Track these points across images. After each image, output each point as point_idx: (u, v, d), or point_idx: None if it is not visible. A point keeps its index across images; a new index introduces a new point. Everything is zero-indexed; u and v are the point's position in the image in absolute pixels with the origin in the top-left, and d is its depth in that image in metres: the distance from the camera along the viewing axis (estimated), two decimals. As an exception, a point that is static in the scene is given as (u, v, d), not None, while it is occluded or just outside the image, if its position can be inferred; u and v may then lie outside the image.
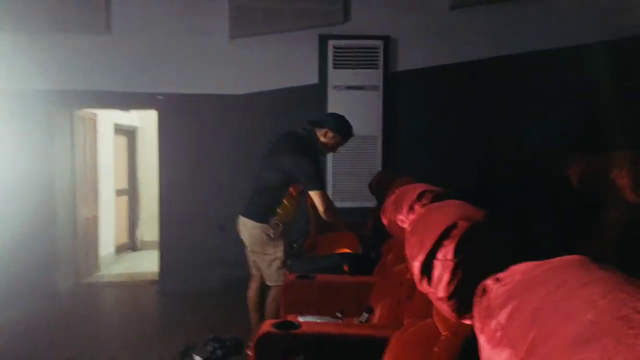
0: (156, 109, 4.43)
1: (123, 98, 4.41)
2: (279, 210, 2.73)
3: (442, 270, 0.87)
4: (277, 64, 4.44)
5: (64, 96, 4.32)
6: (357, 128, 4.42)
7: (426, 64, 4.49)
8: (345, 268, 2.38)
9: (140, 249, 6.72)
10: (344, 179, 4.48)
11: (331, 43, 4.36)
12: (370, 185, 3.42)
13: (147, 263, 5.51)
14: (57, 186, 4.47)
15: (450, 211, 0.98)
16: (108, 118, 5.69)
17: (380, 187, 2.74)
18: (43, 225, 4.33)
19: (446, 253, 0.87)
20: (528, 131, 4.25)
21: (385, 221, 1.76)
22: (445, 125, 4.50)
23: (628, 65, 4.29)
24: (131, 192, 6.66)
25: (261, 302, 2.86)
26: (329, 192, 4.41)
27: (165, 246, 4.55)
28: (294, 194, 2.84)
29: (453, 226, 0.89)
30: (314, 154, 2.72)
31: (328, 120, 2.87)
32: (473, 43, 4.46)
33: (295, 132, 2.85)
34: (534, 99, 4.41)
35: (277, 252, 2.71)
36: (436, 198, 1.44)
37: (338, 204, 4.43)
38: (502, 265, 0.68)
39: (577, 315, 0.48)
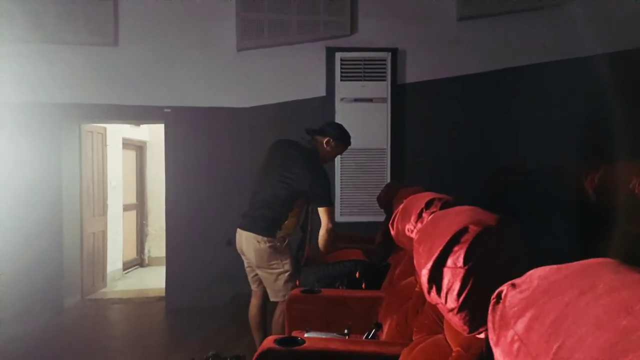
0: (164, 122, 4.42)
1: (131, 111, 4.41)
2: (285, 223, 2.66)
3: (452, 278, 0.80)
4: (284, 77, 4.43)
5: (71, 109, 4.33)
6: (364, 140, 4.44)
7: (434, 76, 4.45)
8: (358, 275, 2.30)
9: (148, 265, 6.68)
10: (352, 193, 4.41)
11: (338, 55, 4.34)
12: (378, 198, 3.35)
13: (155, 279, 5.45)
14: (65, 201, 4.45)
15: (461, 216, 0.91)
16: (117, 132, 5.71)
17: (389, 200, 2.67)
18: (50, 240, 4.31)
19: (456, 259, 0.80)
20: (537, 141, 4.17)
21: (393, 232, 1.69)
22: (453, 137, 4.44)
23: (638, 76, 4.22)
24: (140, 207, 6.65)
25: (263, 320, 2.77)
26: (337, 204, 4.38)
27: (172, 262, 4.49)
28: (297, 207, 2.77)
29: (463, 231, 0.82)
30: (321, 168, 2.66)
31: (329, 128, 2.82)
32: (482, 54, 4.41)
33: (294, 141, 2.77)
34: (543, 110, 4.33)
35: (285, 265, 2.63)
36: (446, 205, 1.37)
37: (346, 218, 4.44)
38: (517, 271, 0.61)
39: (610, 322, 0.41)
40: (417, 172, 4.42)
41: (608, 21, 4.23)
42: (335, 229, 2.64)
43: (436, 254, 0.83)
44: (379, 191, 3.58)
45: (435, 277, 0.82)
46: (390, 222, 1.73)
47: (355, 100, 4.38)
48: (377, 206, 3.64)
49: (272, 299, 2.68)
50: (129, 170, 6.35)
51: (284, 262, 2.63)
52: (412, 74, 4.47)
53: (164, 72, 4.33)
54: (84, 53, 4.25)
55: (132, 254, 6.51)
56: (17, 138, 4.15)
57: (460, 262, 0.80)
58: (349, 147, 4.25)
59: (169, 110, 4.36)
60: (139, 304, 4.91)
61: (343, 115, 4.37)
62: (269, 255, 2.63)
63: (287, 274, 2.63)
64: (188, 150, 4.42)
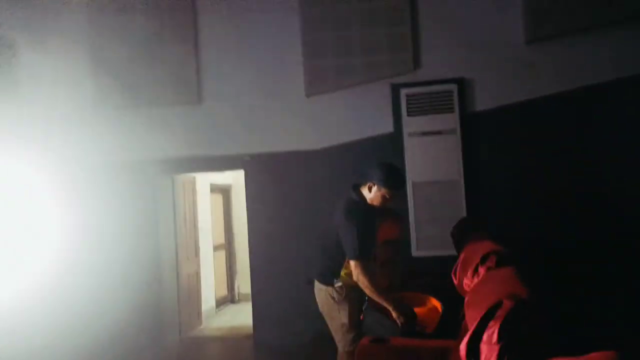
0: (244, 169, 4.76)
1: (215, 161, 4.81)
2: (342, 273, 2.65)
3: (488, 354, 0.84)
4: (352, 117, 4.57)
5: (164, 163, 4.81)
6: (436, 173, 4.43)
7: (504, 102, 4.35)
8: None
9: (239, 301, 7.04)
10: (427, 227, 4.38)
11: (403, 91, 4.42)
12: (452, 235, 3.31)
13: (246, 315, 5.74)
14: (162, 245, 4.91)
15: (498, 286, 0.96)
16: (205, 178, 6.19)
17: (459, 239, 2.65)
18: (150, 283, 4.75)
19: (491, 335, 0.85)
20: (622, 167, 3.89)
21: (455, 281, 1.72)
22: (531, 165, 4.26)
23: None
24: (228, 247, 7.07)
25: None
26: (412, 239, 4.38)
27: (258, 300, 4.73)
28: None
29: (497, 305, 0.87)
30: (357, 217, 2.56)
31: (369, 173, 2.69)
32: (553, 76, 4.25)
33: (353, 188, 2.77)
34: (628, 134, 4.04)
35: (342, 317, 2.62)
36: (500, 261, 1.39)
37: (422, 253, 4.41)
38: (547, 347, 0.66)
39: None
40: (494, 203, 4.30)
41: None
42: (368, 280, 2.47)
43: (472, 329, 0.88)
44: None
45: (473, 352, 0.87)
46: (453, 271, 1.76)
47: (424, 134, 4.40)
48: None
49: (339, 349, 2.68)
50: (217, 213, 6.81)
51: (342, 312, 2.62)
52: (482, 102, 4.41)
53: (242, 123, 4.68)
54: (173, 112, 4.73)
55: (223, 292, 6.91)
56: (119, 192, 4.68)
57: (495, 339, 0.84)
58: (420, 180, 4.22)
59: (249, 157, 4.68)
60: (231, 340, 5.21)
61: (412, 149, 4.42)
62: (328, 304, 2.67)
63: (344, 326, 2.61)
64: (267, 193, 4.69)
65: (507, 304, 0.86)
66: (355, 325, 2.64)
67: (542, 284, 1.14)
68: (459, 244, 2.53)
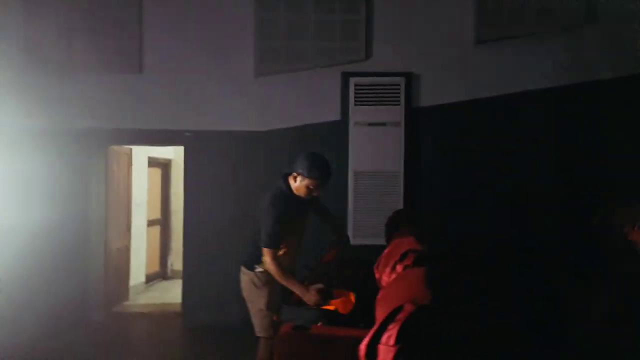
0: (183, 145, 4.59)
1: (153, 135, 4.60)
2: (263, 259, 2.66)
3: (385, 356, 0.85)
4: (300, 101, 4.52)
5: (98, 134, 4.55)
6: (378, 164, 4.48)
7: (450, 100, 4.45)
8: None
9: (171, 278, 6.88)
10: (365, 216, 4.44)
11: (353, 80, 4.41)
12: (385, 226, 3.37)
13: (177, 292, 5.62)
14: (91, 218, 4.68)
15: (405, 288, 0.96)
16: (143, 152, 5.94)
17: (389, 231, 2.69)
18: (77, 256, 4.52)
19: (389, 338, 0.85)
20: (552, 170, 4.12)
21: (377, 275, 1.74)
22: (469, 161, 4.41)
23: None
24: (164, 223, 6.86)
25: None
26: (349, 228, 4.43)
27: (189, 278, 4.64)
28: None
29: (399, 309, 0.87)
30: (276, 207, 2.57)
31: (295, 162, 2.65)
32: (499, 78, 4.39)
33: (279, 184, 2.73)
34: (563, 136, 4.27)
35: (260, 302, 2.66)
36: (418, 260, 1.41)
37: (359, 241, 4.46)
38: (447, 352, 0.66)
39: None
40: (432, 196, 4.42)
41: (622, 45, 4.15)
42: (278, 269, 2.52)
43: (372, 330, 0.88)
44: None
45: (371, 354, 0.87)
46: (376, 265, 1.78)
47: (370, 124, 4.43)
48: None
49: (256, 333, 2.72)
50: (154, 187, 6.57)
51: (260, 298, 2.66)
52: (428, 98, 4.49)
53: (184, 97, 4.51)
54: (111, 80, 4.47)
55: (156, 267, 6.72)
56: (48, 160, 4.39)
57: (392, 341, 0.84)
58: (361, 170, 4.22)
59: (189, 134, 4.52)
60: (159, 317, 5.09)
61: (357, 139, 4.44)
62: (249, 289, 2.70)
63: (261, 312, 2.66)
64: (207, 172, 4.56)
65: (408, 308, 0.86)
66: (272, 312, 2.67)
67: (459, 283, 1.16)
68: (388, 237, 2.58)
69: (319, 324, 2.11)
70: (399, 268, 1.42)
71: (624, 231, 1.89)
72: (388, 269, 1.45)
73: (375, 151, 4.46)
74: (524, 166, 4.31)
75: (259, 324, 2.69)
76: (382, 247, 4.03)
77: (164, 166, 6.82)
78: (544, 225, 3.53)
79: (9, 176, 4.38)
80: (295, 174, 2.62)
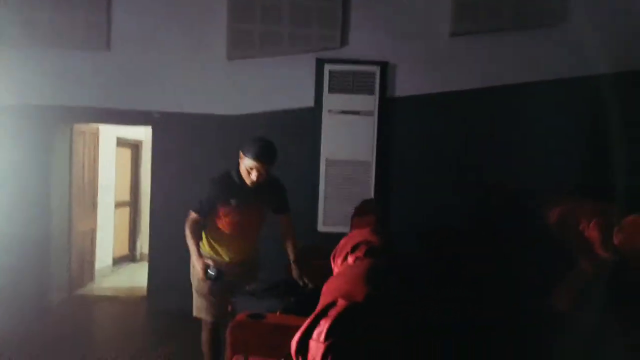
0: (151, 126, 4.48)
1: (120, 114, 4.46)
2: (201, 243, 2.73)
3: (315, 352, 0.82)
4: (274, 86, 4.45)
5: (63, 111, 4.39)
6: (350, 153, 4.46)
7: (424, 91, 4.44)
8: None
9: (140, 261, 6.77)
10: (335, 204, 4.43)
11: (327, 67, 4.36)
12: (352, 215, 3.35)
13: (145, 275, 5.53)
14: (54, 199, 4.54)
15: (345, 281, 0.94)
16: (111, 132, 5.78)
17: (352, 221, 2.68)
18: (38, 237, 4.39)
19: (320, 334, 0.82)
20: (523, 163, 4.16)
21: (333, 266, 1.71)
22: (440, 153, 4.43)
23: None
24: (133, 205, 6.73)
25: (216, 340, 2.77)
26: (320, 214, 4.42)
27: (155, 261, 4.57)
28: (222, 228, 2.71)
29: (332, 304, 0.85)
30: (215, 184, 2.66)
31: (245, 142, 2.65)
32: (473, 71, 4.39)
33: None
34: (534, 131, 4.30)
35: (194, 282, 2.71)
36: (370, 252, 1.39)
37: (329, 228, 4.46)
38: (382, 349, 0.64)
39: None
40: (403, 186, 4.43)
41: (610, 41, 4.19)
42: (189, 233, 2.64)
43: (305, 325, 0.85)
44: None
45: (302, 349, 0.85)
46: (332, 255, 1.75)
47: (343, 112, 4.40)
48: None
49: None
50: (123, 168, 6.43)
51: (194, 279, 2.71)
52: (402, 89, 4.47)
53: (154, 77, 4.38)
54: (78, 57, 4.31)
55: (124, 250, 6.60)
56: (9, 139, 4.22)
57: (322, 337, 0.82)
58: (333, 158, 4.19)
59: (158, 115, 4.41)
60: (123, 300, 5.01)
61: (329, 126, 4.41)
62: (190, 270, 2.74)
63: (196, 292, 2.71)
64: (175, 154, 4.46)
65: (341, 304, 0.84)
66: (202, 294, 2.69)
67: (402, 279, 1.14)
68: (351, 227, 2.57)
69: (276, 313, 2.08)
70: (350, 259, 1.39)
71: (580, 229, 1.91)
72: (339, 260, 1.43)
73: (347, 139, 4.43)
74: (496, 160, 4.34)
75: (194, 305, 2.73)
76: (351, 236, 4.09)
77: (134, 147, 6.67)
78: (511, 220, 3.56)
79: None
80: (240, 155, 2.62)
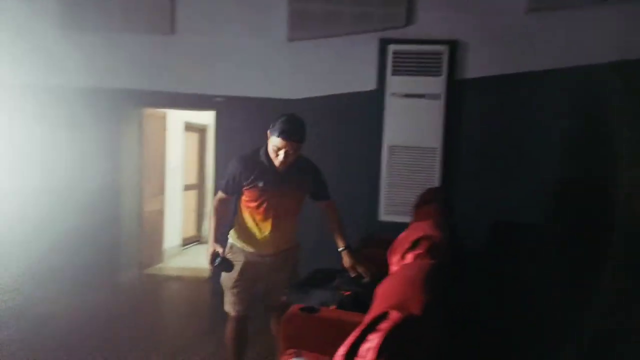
0: (215, 111, 4.53)
1: (184, 99, 4.54)
2: (231, 231, 2.59)
3: (361, 371, 0.72)
4: (335, 69, 4.33)
5: (132, 95, 4.55)
6: (415, 138, 4.25)
7: (496, 72, 4.12)
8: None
9: (206, 242, 6.98)
10: (399, 192, 4.25)
11: (391, 48, 4.15)
12: (415, 204, 3.18)
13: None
14: (124, 181, 4.74)
15: (399, 287, 0.81)
16: (179, 116, 5.94)
17: (415, 211, 2.51)
18: (108, 218, 4.61)
19: (368, 350, 0.71)
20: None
21: (389, 262, 1.59)
22: (513, 139, 4.11)
23: None
24: (200, 187, 6.93)
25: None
26: (381, 203, 4.27)
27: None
28: (251, 214, 2.51)
29: (383, 316, 0.73)
30: (241, 160, 2.49)
31: (276, 119, 2.43)
32: (550, 50, 4.00)
33: None
34: (615, 113, 3.86)
35: (224, 276, 2.56)
36: (431, 250, 1.25)
37: (391, 218, 4.30)
38: None
39: None
40: (472, 175, 4.17)
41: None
42: (214, 213, 2.57)
43: (351, 340, 0.74)
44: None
45: (348, 365, 0.74)
46: (389, 250, 1.63)
47: (407, 95, 4.19)
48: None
49: None
50: (191, 152, 6.61)
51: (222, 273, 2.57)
52: (473, 69, 4.17)
53: (216, 61, 4.41)
54: (143, 40, 4.43)
55: (192, 232, 6.83)
56: (81, 120, 4.44)
57: (371, 356, 0.71)
58: (396, 144, 4.01)
59: (220, 99, 4.44)
60: (190, 280, 5.18)
61: (393, 110, 4.22)
62: None
63: (226, 285, 2.57)
64: (237, 138, 4.45)
65: (394, 317, 0.72)
66: (226, 287, 2.56)
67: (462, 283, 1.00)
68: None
69: (331, 307, 2.00)
70: (409, 257, 1.26)
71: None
72: (397, 257, 1.30)
73: (412, 124, 4.23)
74: (575, 147, 3.95)
75: (225, 299, 2.59)
76: (414, 226, 3.92)
77: (201, 131, 6.84)
78: (593, 215, 3.22)
79: (35, 136, 4.46)
80: (267, 133, 2.43)
